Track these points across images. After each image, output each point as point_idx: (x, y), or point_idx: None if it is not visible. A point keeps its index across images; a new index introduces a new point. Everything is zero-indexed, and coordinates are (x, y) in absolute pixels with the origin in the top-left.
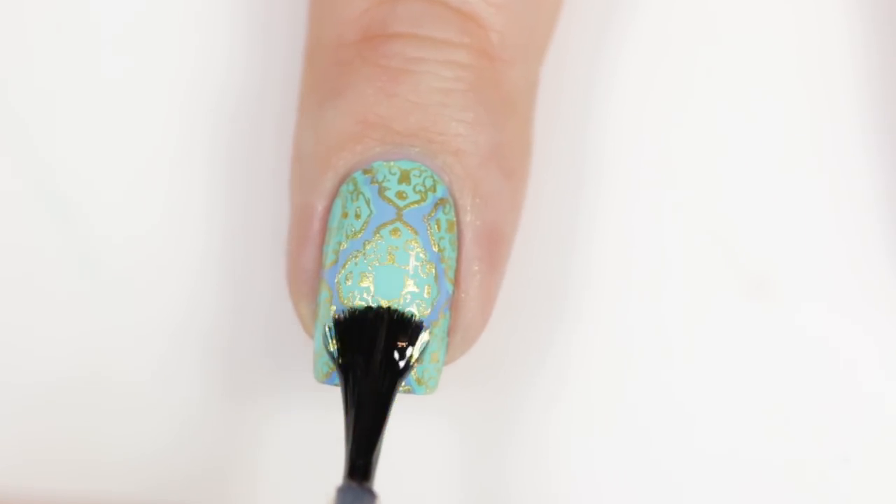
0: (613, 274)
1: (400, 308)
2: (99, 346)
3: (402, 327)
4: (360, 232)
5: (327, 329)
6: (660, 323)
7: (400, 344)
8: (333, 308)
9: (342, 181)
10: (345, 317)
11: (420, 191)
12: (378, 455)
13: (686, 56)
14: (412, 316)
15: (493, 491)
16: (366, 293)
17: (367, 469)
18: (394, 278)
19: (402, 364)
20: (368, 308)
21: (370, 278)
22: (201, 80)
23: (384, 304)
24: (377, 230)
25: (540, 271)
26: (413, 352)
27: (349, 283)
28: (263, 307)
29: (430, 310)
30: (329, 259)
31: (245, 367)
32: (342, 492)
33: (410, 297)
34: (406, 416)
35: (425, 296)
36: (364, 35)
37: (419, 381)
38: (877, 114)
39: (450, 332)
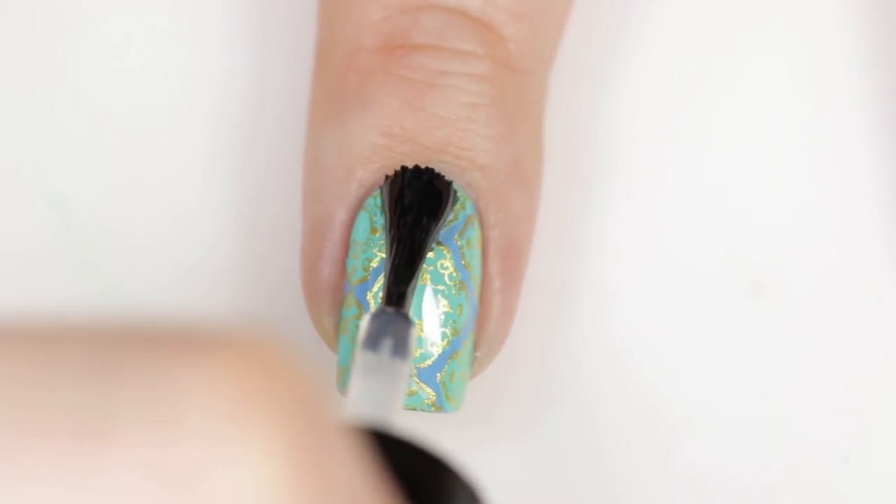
0: (614, 276)
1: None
2: None
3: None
4: None
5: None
6: (660, 324)
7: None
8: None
9: (367, 194)
10: (396, 170)
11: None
12: (414, 286)
13: (686, 58)
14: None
15: (498, 493)
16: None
17: (403, 296)
18: (429, 298)
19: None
20: (417, 167)
21: None
22: (205, 82)
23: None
24: None
25: (542, 273)
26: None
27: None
28: (266, 311)
29: (462, 328)
30: (358, 274)
31: None
32: (377, 314)
33: (444, 317)
34: (410, 421)
35: (458, 315)
36: (385, 44)
37: (448, 399)
38: (878, 114)
39: (475, 346)
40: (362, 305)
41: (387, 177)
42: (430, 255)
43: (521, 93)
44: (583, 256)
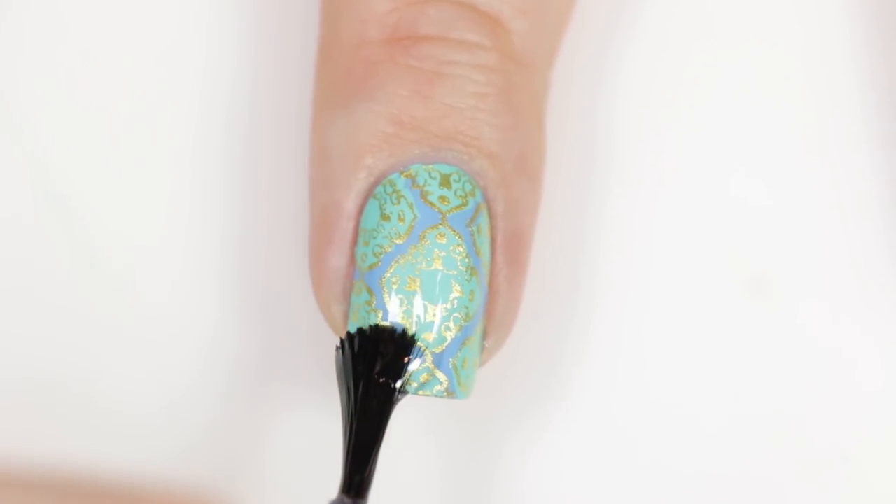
0: (614, 273)
1: (406, 328)
2: (99, 347)
3: (404, 347)
4: (404, 235)
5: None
6: (660, 323)
7: (400, 363)
8: (379, 312)
9: (377, 181)
10: (354, 332)
11: (461, 195)
12: (373, 471)
13: (683, 55)
14: (415, 337)
15: (503, 495)
16: (413, 297)
17: (361, 485)
18: (442, 283)
19: (398, 384)
20: (377, 326)
21: (417, 282)
22: (207, 79)
23: (388, 325)
24: (423, 234)
25: (538, 268)
26: (411, 371)
27: (395, 286)
28: (268, 308)
29: (474, 314)
30: (368, 261)
31: (247, 368)
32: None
33: (457, 302)
34: (415, 418)
35: (470, 300)
36: (392, 35)
37: (460, 385)
38: (878, 114)
39: (484, 336)
40: (373, 291)
41: (343, 340)
42: (440, 240)
43: (525, 86)
44: (580, 253)
